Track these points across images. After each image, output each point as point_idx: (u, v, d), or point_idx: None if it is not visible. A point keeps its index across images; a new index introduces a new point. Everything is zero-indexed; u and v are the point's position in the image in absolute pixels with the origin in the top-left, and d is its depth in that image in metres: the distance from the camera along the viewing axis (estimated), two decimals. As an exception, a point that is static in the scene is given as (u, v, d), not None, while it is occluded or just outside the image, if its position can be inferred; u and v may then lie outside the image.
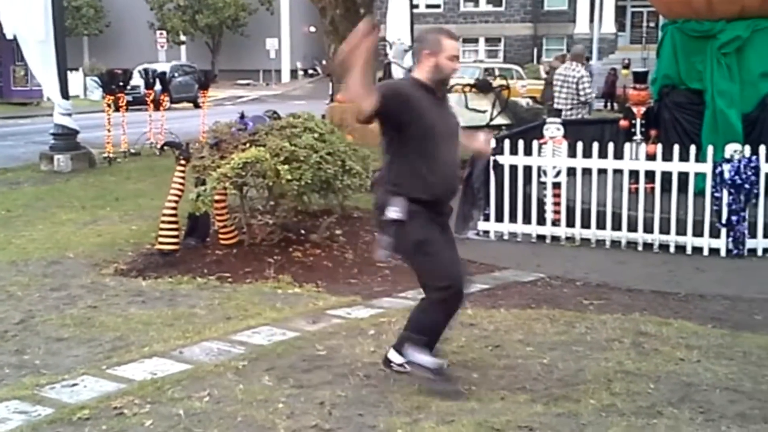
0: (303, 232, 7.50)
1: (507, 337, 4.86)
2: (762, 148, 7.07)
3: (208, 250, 7.00)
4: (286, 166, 6.52)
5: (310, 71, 45.60)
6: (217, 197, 6.79)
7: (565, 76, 11.01)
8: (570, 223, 7.62)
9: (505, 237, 7.87)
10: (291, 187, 6.58)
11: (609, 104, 23.92)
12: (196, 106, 24.78)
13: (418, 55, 3.87)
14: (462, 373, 4.22)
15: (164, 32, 40.10)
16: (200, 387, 4.04)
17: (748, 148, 7.07)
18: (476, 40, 43.40)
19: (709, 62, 8.16)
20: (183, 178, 6.92)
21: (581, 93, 10.91)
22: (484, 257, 7.07)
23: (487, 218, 7.87)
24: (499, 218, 7.88)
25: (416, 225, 3.80)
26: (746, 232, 7.04)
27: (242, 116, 7.37)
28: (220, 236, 7.11)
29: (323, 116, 14.85)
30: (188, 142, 7.61)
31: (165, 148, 8.71)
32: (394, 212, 3.77)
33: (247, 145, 6.76)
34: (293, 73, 45.22)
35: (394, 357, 4.07)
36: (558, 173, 7.71)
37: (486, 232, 7.91)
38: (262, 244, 7.07)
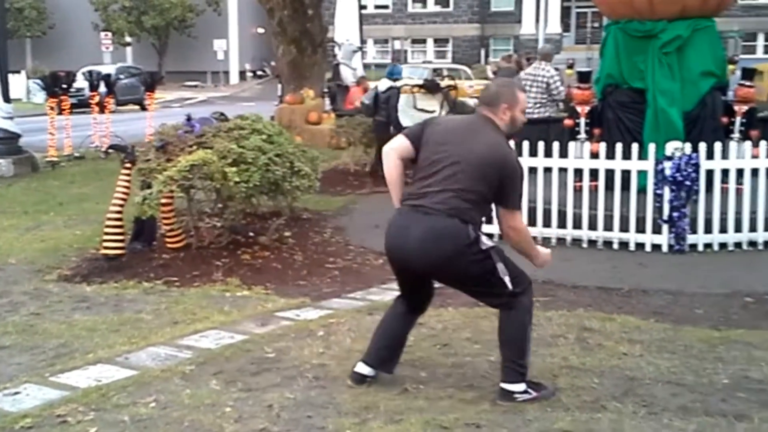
0: (252, 234, 7.45)
1: (455, 335, 4.89)
2: (702, 146, 7.24)
3: (154, 254, 6.92)
4: (234, 168, 6.48)
5: (259, 72, 45.28)
6: (163, 200, 6.71)
7: (535, 76, 11.13)
8: (517, 222, 7.68)
9: (454, 236, 7.90)
10: (239, 189, 6.54)
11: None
12: (143, 108, 24.43)
13: (496, 108, 3.91)
14: (410, 372, 4.23)
15: (109, 34, 39.36)
16: (146, 393, 3.98)
17: (688, 146, 7.22)
18: (424, 41, 43.68)
19: (651, 61, 8.29)
20: (128, 181, 6.82)
21: (554, 92, 11.05)
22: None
23: (436, 218, 7.89)
24: (448, 218, 7.92)
25: (494, 244, 3.90)
26: (687, 227, 7.18)
27: (189, 118, 7.30)
28: (167, 240, 7.03)
29: (272, 118, 14.79)
30: (134, 145, 7.51)
31: (110, 151, 8.60)
32: (489, 241, 3.86)
33: (194, 147, 6.70)
34: (242, 74, 44.83)
35: (509, 387, 3.88)
36: (505, 172, 7.77)
37: (435, 232, 7.94)
38: (210, 247, 7.00)
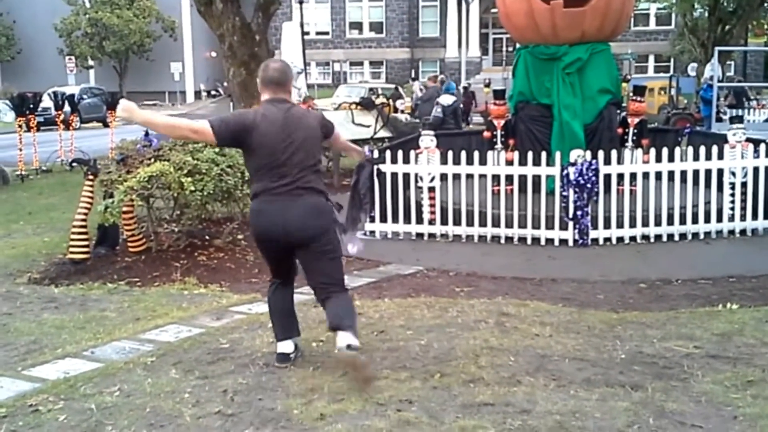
0: (207, 237, 7.35)
1: (390, 323, 4.91)
2: (600, 153, 7.42)
3: (117, 257, 6.77)
4: (190, 179, 6.39)
5: (213, 92, 44.60)
6: (124, 208, 6.58)
7: None
8: (444, 222, 7.78)
9: (389, 236, 7.95)
10: (194, 197, 6.45)
11: (465, 119, 23.30)
12: (105, 125, 23.81)
13: (288, 86, 4.05)
14: (351, 357, 4.24)
15: (73, 58, 38.26)
16: (111, 383, 3.90)
17: (589, 154, 7.41)
18: (361, 63, 43.67)
19: (556, 80, 8.47)
20: (91, 191, 6.67)
21: None
22: (371, 254, 7.10)
23: (372, 220, 7.92)
24: (383, 219, 7.96)
25: None
26: (589, 224, 7.36)
27: (147, 134, 7.17)
28: (129, 244, 6.89)
29: (225, 132, 14.55)
30: (96, 159, 7.34)
31: (74, 164, 8.37)
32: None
33: (152, 160, 6.59)
34: (197, 94, 44.06)
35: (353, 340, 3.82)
36: (432, 179, 7.86)
37: (372, 232, 7.98)
38: (169, 250, 6.89)
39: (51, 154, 14.00)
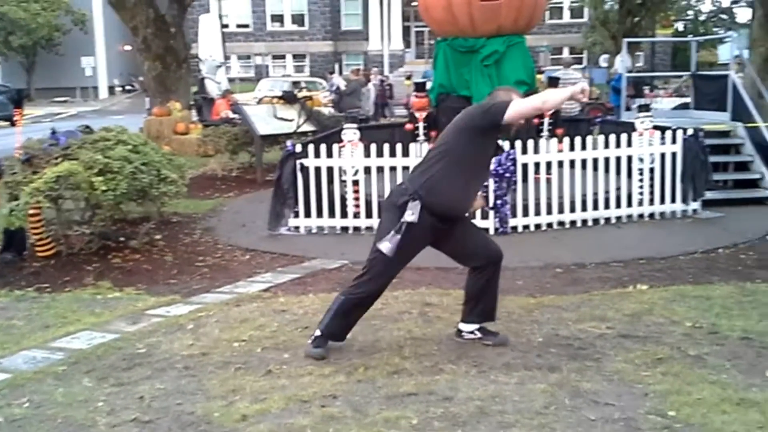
0: (122, 239, 7.13)
1: (315, 319, 4.83)
2: (518, 143, 7.58)
3: (25, 263, 6.49)
4: (101, 178, 6.18)
5: (128, 87, 43.25)
6: (31, 211, 6.30)
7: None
8: (369, 215, 7.76)
9: (314, 231, 7.90)
10: (107, 197, 6.25)
11: (381, 112, 21.61)
12: (12, 124, 22.74)
13: None
14: (274, 355, 4.20)
15: (-25, 53, 36.44)
16: (20, 394, 3.73)
17: (507, 144, 7.54)
18: (284, 57, 43.22)
19: (474, 72, 8.60)
20: (-5, 194, 6.35)
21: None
22: (295, 250, 7.07)
23: (296, 215, 7.85)
24: (308, 214, 7.89)
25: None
26: (509, 213, 7.50)
27: (53, 132, 6.88)
28: (37, 249, 6.60)
29: (141, 129, 14.18)
30: (-1, 159, 7.00)
31: (-24, 166, 7.93)
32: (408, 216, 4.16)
33: (60, 159, 6.34)
34: (111, 89, 42.58)
35: (465, 327, 4.35)
36: (356, 172, 7.84)
37: (296, 228, 7.91)
38: (81, 254, 6.64)
39: (-48, 155, 13.28)
